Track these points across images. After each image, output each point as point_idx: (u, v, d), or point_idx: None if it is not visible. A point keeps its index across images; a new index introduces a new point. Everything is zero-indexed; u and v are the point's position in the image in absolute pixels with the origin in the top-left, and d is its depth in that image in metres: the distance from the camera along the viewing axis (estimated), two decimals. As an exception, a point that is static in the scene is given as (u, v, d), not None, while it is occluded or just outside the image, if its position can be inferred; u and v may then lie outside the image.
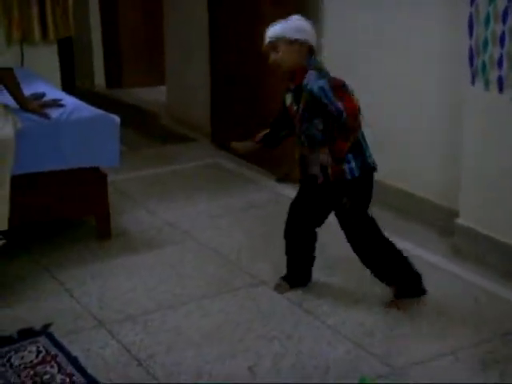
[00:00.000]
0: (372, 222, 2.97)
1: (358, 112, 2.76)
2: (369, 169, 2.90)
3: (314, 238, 3.13)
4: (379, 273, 3.03)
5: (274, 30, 2.89)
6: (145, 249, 3.61)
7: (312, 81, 2.79)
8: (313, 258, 3.18)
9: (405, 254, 3.03)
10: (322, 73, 2.83)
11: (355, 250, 3.01)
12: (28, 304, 3.08)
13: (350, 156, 2.84)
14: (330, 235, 3.18)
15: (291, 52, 2.86)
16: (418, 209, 3.84)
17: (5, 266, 3.34)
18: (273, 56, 2.90)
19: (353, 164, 2.85)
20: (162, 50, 6.03)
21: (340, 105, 2.73)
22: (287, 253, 3.17)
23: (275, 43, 2.88)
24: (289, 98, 2.95)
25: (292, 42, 2.85)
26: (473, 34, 3.21)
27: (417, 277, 3.03)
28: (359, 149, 2.86)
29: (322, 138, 2.84)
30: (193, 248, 3.62)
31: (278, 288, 3.19)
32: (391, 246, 2.99)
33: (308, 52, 2.87)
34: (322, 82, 2.77)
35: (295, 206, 3.10)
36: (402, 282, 3.03)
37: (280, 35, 2.86)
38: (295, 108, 2.90)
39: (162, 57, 6.06)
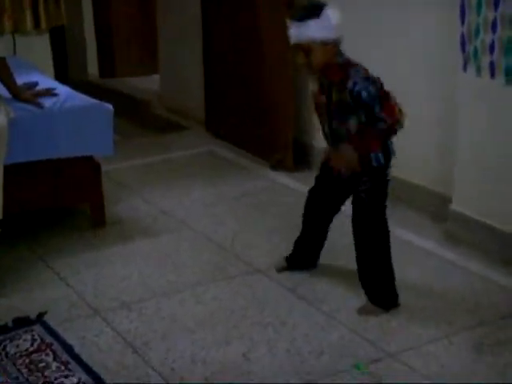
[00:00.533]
0: (384, 221, 2.91)
1: (398, 118, 2.73)
2: (389, 155, 2.87)
3: (328, 224, 3.11)
4: (364, 274, 2.95)
5: (305, 32, 2.67)
6: (140, 237, 3.61)
7: (359, 83, 2.68)
8: (322, 245, 3.18)
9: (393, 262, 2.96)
10: (363, 72, 2.72)
11: (356, 242, 2.94)
12: (23, 293, 3.09)
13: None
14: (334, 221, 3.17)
15: (325, 52, 2.70)
16: (412, 195, 3.85)
17: (0, 256, 3.35)
18: (303, 58, 2.72)
19: (379, 152, 2.81)
20: (155, 39, 6.01)
21: (384, 115, 2.69)
22: (300, 235, 3.16)
23: (307, 46, 2.69)
24: (315, 85, 2.85)
25: (326, 43, 2.69)
26: (465, 20, 3.21)
27: (394, 293, 2.93)
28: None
29: (347, 135, 2.78)
30: (188, 236, 3.63)
31: (276, 267, 3.22)
32: (388, 252, 2.92)
33: (339, 47, 2.75)
34: (373, 90, 2.68)
35: (315, 191, 3.06)
36: (379, 292, 2.93)
37: (313, 38, 2.67)
38: (324, 98, 2.80)
39: (155, 46, 6.04)
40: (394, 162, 2.90)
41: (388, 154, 2.85)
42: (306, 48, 2.70)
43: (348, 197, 2.98)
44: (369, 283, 2.94)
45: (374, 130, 2.74)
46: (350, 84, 2.70)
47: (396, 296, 2.94)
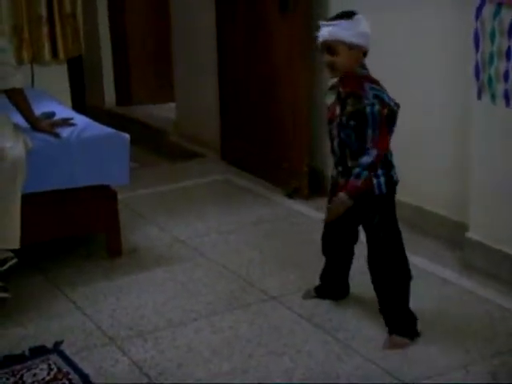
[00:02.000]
0: (399, 236, 2.88)
1: (386, 151, 2.75)
2: (393, 184, 2.85)
3: (349, 253, 3.09)
4: (385, 307, 2.92)
5: (334, 31, 2.69)
6: (155, 266, 3.62)
7: (369, 98, 2.68)
8: (346, 275, 3.16)
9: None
10: (378, 91, 2.72)
11: (371, 268, 2.91)
12: (39, 322, 3.10)
13: (380, 171, 2.78)
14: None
15: (350, 57, 2.72)
16: (427, 223, 3.84)
17: (17, 285, 3.36)
18: (328, 58, 2.74)
19: (382, 180, 2.79)
20: (171, 67, 6.07)
21: (374, 143, 2.69)
22: (324, 267, 3.17)
23: (333, 45, 2.71)
24: (331, 98, 2.85)
25: (352, 48, 2.71)
26: (479, 48, 3.22)
27: (413, 318, 2.91)
28: (388, 165, 2.81)
29: (356, 148, 2.76)
30: (203, 264, 3.63)
31: (304, 295, 3.23)
32: (406, 270, 2.89)
33: (364, 56, 2.76)
34: (377, 109, 2.67)
35: (328, 224, 3.03)
36: (397, 320, 2.90)
37: (341, 38, 2.69)
38: (338, 110, 2.80)
39: (171, 74, 6.10)
40: (398, 189, 2.88)
41: (391, 182, 2.83)
42: (332, 47, 2.72)
43: (359, 222, 2.95)
44: (390, 315, 2.91)
45: (362, 174, 2.72)
46: (362, 95, 2.71)
47: (415, 323, 2.91)
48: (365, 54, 2.77)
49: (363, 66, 2.78)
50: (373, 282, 2.93)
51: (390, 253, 2.87)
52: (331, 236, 3.07)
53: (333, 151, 2.90)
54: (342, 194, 2.77)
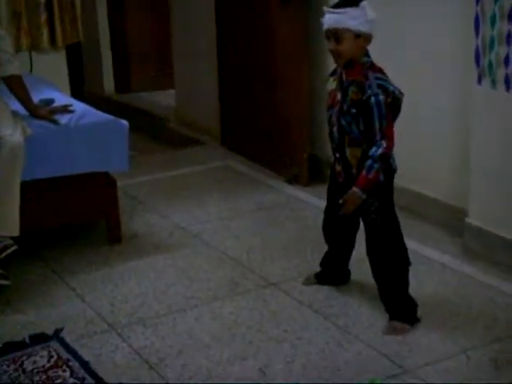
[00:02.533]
0: (396, 223, 2.88)
1: (394, 140, 2.71)
2: (392, 171, 2.83)
3: (351, 239, 3.08)
4: (385, 293, 2.92)
5: (340, 19, 2.65)
6: (155, 252, 3.62)
7: (373, 87, 2.66)
8: (347, 260, 3.16)
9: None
10: (382, 80, 2.70)
11: (370, 256, 2.91)
12: (39, 309, 3.10)
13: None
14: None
15: (356, 45, 2.69)
16: (427, 208, 3.84)
17: (16, 272, 3.36)
18: (334, 45, 2.70)
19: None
20: (170, 54, 6.05)
21: (382, 134, 2.67)
22: (326, 253, 3.17)
23: (339, 33, 2.67)
24: (333, 83, 2.83)
25: (358, 36, 2.68)
26: (479, 33, 3.20)
27: (413, 304, 2.91)
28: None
29: (359, 136, 2.75)
30: (203, 251, 3.63)
31: (305, 281, 3.22)
32: (405, 256, 2.88)
33: (368, 43, 2.73)
34: (381, 98, 2.65)
35: (328, 211, 3.05)
36: (397, 306, 2.90)
37: (348, 27, 2.65)
38: (339, 97, 2.77)
39: (170, 60, 6.08)
40: (398, 175, 2.87)
41: (389, 170, 2.80)
42: (338, 35, 2.68)
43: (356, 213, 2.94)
44: (391, 301, 2.91)
45: (375, 165, 2.70)
46: (365, 84, 2.69)
47: (415, 309, 2.91)
48: (370, 40, 2.74)
49: (367, 54, 2.76)
50: (372, 269, 2.93)
51: (389, 240, 2.86)
52: (332, 224, 3.06)
53: (331, 137, 2.88)
54: (355, 190, 2.75)
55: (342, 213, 2.83)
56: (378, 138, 2.69)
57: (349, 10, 2.66)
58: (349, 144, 2.79)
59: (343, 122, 2.78)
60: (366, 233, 2.89)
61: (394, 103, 2.72)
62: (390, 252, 2.86)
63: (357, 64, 2.74)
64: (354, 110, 2.73)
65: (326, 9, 2.74)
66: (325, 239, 3.13)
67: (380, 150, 2.69)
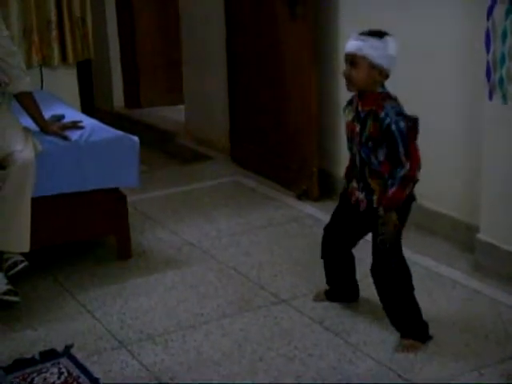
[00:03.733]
0: (400, 248, 2.86)
1: (420, 163, 2.74)
2: (409, 199, 2.83)
3: (351, 258, 3.10)
4: (391, 313, 2.91)
5: (359, 45, 2.70)
6: (165, 268, 3.62)
7: (391, 116, 2.68)
8: (352, 277, 3.15)
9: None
10: (399, 107, 2.73)
11: (374, 277, 2.90)
12: (50, 325, 3.10)
13: None
14: (357, 251, 3.13)
15: (369, 75, 2.72)
16: (438, 224, 3.82)
17: (27, 289, 3.37)
18: (348, 69, 2.74)
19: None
20: (180, 70, 6.07)
21: (405, 159, 2.69)
22: (326, 271, 3.17)
23: (355, 58, 2.71)
24: (350, 114, 2.84)
25: (374, 67, 2.70)
26: (490, 48, 3.20)
27: (424, 325, 2.89)
28: None
29: (379, 167, 2.77)
30: (213, 267, 3.63)
31: (315, 297, 3.23)
32: (411, 287, 2.87)
33: (384, 78, 2.76)
34: (403, 125, 2.68)
35: (332, 227, 3.06)
36: (408, 324, 2.88)
37: (364, 54, 2.69)
38: (358, 129, 2.79)
39: (180, 76, 6.10)
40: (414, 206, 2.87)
41: (408, 197, 2.80)
42: (355, 61, 2.71)
43: (365, 234, 2.97)
44: (398, 320, 2.90)
45: (397, 184, 2.71)
46: (382, 115, 2.70)
47: (426, 326, 2.90)
48: (387, 76, 2.76)
49: (383, 86, 2.78)
50: (377, 290, 2.91)
51: (393, 264, 2.85)
52: (332, 240, 3.06)
53: (354, 166, 2.89)
54: (380, 213, 2.75)
55: (383, 242, 2.79)
56: (403, 160, 2.71)
57: (371, 39, 2.70)
58: (370, 175, 2.80)
59: (363, 154, 2.80)
60: (373, 253, 2.88)
61: (414, 126, 2.74)
62: (394, 276, 2.85)
63: (371, 94, 2.75)
64: (371, 144, 2.75)
65: (352, 35, 2.77)
66: (322, 255, 3.12)
67: (403, 171, 2.70)
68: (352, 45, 2.73)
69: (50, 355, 2.85)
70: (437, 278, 3.39)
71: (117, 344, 2.94)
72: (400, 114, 2.71)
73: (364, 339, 2.92)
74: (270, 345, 2.90)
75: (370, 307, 3.14)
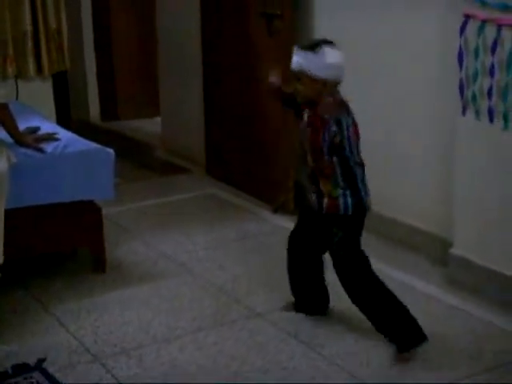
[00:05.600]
0: (365, 260, 2.91)
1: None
2: (362, 209, 2.87)
3: (320, 265, 3.12)
4: (378, 323, 2.92)
5: (298, 62, 2.75)
6: (140, 281, 3.60)
7: (333, 124, 2.73)
8: (323, 289, 3.17)
9: (399, 297, 2.94)
10: (340, 116, 2.76)
11: (349, 294, 2.94)
12: (23, 339, 3.07)
13: (347, 192, 2.82)
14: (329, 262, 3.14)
15: (313, 88, 2.76)
16: (412, 239, 3.85)
17: (0, 301, 3.34)
18: (295, 84, 2.80)
19: (349, 200, 2.82)
20: (156, 82, 6.07)
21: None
22: (291, 284, 3.20)
23: (298, 74, 2.77)
24: (304, 119, 2.88)
25: (315, 80, 2.74)
26: (463, 65, 3.24)
27: (414, 323, 2.90)
28: (356, 188, 2.84)
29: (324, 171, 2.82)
30: (188, 280, 3.62)
31: (284, 308, 3.25)
32: (383, 287, 2.90)
33: (334, 86, 2.79)
34: (344, 133, 2.74)
35: (294, 236, 3.12)
36: (402, 334, 2.89)
37: (304, 69, 2.74)
38: (309, 132, 2.82)
39: (156, 88, 6.10)
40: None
41: (360, 205, 2.85)
42: (297, 75, 2.78)
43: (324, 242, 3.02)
44: (389, 331, 2.91)
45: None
46: (330, 122, 2.73)
47: (418, 325, 2.88)
48: (335, 84, 2.79)
49: (333, 93, 2.80)
50: (361, 311, 2.96)
51: (354, 273, 2.89)
52: (297, 251, 3.11)
53: (303, 171, 2.97)
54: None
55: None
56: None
57: (306, 53, 2.74)
58: (322, 174, 2.85)
59: (311, 161, 2.86)
60: (334, 267, 2.94)
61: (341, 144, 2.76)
62: (358, 285, 2.90)
63: (316, 106, 2.80)
64: (316, 149, 2.80)
65: (295, 47, 2.81)
66: (289, 267, 3.16)
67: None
68: (294, 60, 2.78)
69: (22, 369, 2.82)
70: (411, 292, 3.40)
71: (91, 358, 2.92)
72: (339, 122, 2.72)
73: (338, 352, 2.92)
74: (244, 358, 2.90)
75: (344, 320, 3.15)
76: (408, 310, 2.89)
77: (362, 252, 2.91)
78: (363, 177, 2.87)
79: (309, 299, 3.21)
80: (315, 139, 2.77)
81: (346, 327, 3.09)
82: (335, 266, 2.93)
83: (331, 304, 3.23)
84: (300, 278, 3.18)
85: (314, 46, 2.74)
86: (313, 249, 3.09)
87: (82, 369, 2.84)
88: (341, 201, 2.82)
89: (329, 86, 2.77)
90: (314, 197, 2.90)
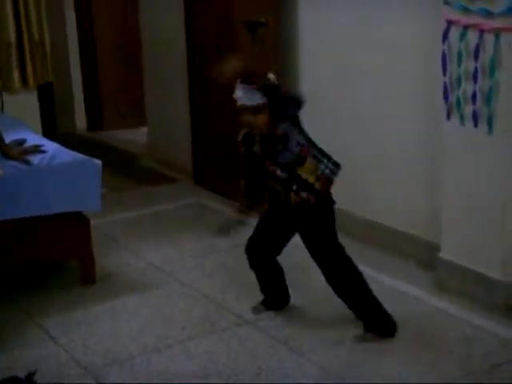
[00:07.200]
0: (340, 249, 3.04)
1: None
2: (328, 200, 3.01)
3: (276, 265, 3.26)
4: (351, 303, 3.07)
5: (245, 97, 2.92)
6: (129, 292, 3.60)
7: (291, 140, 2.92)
8: (280, 282, 3.29)
9: (378, 291, 3.09)
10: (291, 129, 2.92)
11: (327, 279, 3.08)
12: (12, 352, 3.06)
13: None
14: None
15: (265, 115, 2.92)
16: (400, 243, 3.86)
17: (-12, 314, 3.33)
18: (246, 117, 2.95)
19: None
20: (142, 92, 6.07)
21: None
22: (258, 279, 3.30)
23: (248, 108, 2.92)
24: (257, 146, 3.04)
25: (265, 107, 2.90)
26: (446, 70, 3.27)
27: (386, 316, 3.05)
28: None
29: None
30: (177, 289, 3.62)
31: (254, 311, 3.32)
32: (360, 276, 3.05)
33: None
34: (296, 150, 2.91)
35: (256, 235, 3.26)
36: (370, 317, 3.06)
37: (253, 102, 2.90)
38: (265, 150, 2.99)
39: (142, 98, 6.10)
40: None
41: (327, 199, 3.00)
42: (247, 109, 2.92)
43: (288, 239, 3.16)
44: (358, 311, 3.06)
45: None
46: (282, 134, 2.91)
47: (389, 319, 3.05)
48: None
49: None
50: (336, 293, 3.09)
51: (337, 262, 3.03)
52: (256, 248, 3.25)
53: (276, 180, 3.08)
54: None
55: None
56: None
57: (251, 87, 2.90)
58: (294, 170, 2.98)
59: (280, 159, 2.98)
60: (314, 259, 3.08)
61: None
62: (335, 272, 3.04)
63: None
64: (281, 144, 2.97)
65: (238, 83, 2.95)
66: (249, 264, 3.28)
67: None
68: (243, 95, 2.92)
69: (12, 382, 2.80)
70: (400, 296, 3.42)
71: (81, 370, 2.91)
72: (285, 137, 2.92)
73: (329, 359, 2.93)
74: (235, 366, 2.90)
75: (331, 326, 3.16)
76: (379, 303, 3.05)
77: (337, 244, 3.04)
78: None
79: (277, 294, 3.33)
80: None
81: (336, 333, 3.09)
82: (314, 257, 3.06)
83: (322, 310, 3.26)
84: (266, 277, 3.30)
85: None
86: (270, 248, 3.22)
87: (73, 381, 2.84)
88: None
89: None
90: (294, 196, 2.98)
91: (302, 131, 2.96)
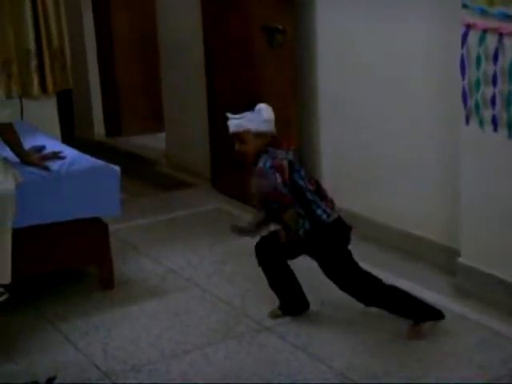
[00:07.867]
0: (355, 268, 3.08)
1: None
2: (325, 225, 3.05)
3: (285, 268, 3.27)
4: (390, 310, 3.09)
5: (241, 123, 3.04)
6: (148, 297, 3.61)
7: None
8: (294, 286, 3.29)
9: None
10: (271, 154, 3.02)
11: (349, 293, 3.10)
12: (32, 357, 3.07)
13: (304, 221, 3.02)
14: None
15: (257, 144, 3.05)
16: (419, 249, 3.85)
17: (8, 320, 3.34)
18: (238, 145, 3.08)
19: (307, 225, 3.02)
20: (160, 98, 6.09)
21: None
22: (267, 279, 3.31)
23: (242, 136, 3.05)
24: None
25: (259, 135, 3.04)
26: (465, 74, 3.25)
27: (426, 304, 3.10)
28: (311, 213, 3.04)
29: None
30: (196, 295, 3.62)
31: (271, 315, 3.32)
32: (382, 285, 3.08)
33: (270, 137, 3.07)
34: (269, 163, 2.99)
35: (269, 235, 3.27)
36: (414, 312, 3.08)
37: (246, 129, 3.03)
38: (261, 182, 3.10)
39: (160, 104, 6.12)
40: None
41: (317, 224, 3.03)
42: (241, 137, 3.06)
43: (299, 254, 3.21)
44: (400, 310, 3.08)
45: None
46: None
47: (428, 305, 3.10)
48: (272, 135, 3.09)
49: (268, 145, 3.06)
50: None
51: (343, 276, 3.08)
52: (266, 247, 3.28)
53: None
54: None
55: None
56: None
57: (247, 114, 3.06)
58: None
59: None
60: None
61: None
62: (354, 286, 3.07)
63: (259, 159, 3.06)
64: None
65: (229, 115, 3.10)
66: (258, 262, 3.31)
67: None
68: (233, 124, 3.08)
69: (32, 388, 2.83)
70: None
71: (101, 375, 2.92)
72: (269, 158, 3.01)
73: (348, 365, 2.92)
74: (254, 372, 2.90)
75: (351, 331, 3.15)
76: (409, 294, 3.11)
77: (351, 262, 3.08)
78: (315, 199, 3.05)
79: (289, 300, 3.33)
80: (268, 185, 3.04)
81: (358, 340, 3.08)
82: (333, 280, 3.10)
83: (341, 316, 3.26)
84: (277, 281, 3.30)
85: (251, 107, 3.06)
86: (279, 253, 3.25)
87: (92, 386, 2.85)
88: (301, 231, 3.03)
89: (267, 139, 3.06)
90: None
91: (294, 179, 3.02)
